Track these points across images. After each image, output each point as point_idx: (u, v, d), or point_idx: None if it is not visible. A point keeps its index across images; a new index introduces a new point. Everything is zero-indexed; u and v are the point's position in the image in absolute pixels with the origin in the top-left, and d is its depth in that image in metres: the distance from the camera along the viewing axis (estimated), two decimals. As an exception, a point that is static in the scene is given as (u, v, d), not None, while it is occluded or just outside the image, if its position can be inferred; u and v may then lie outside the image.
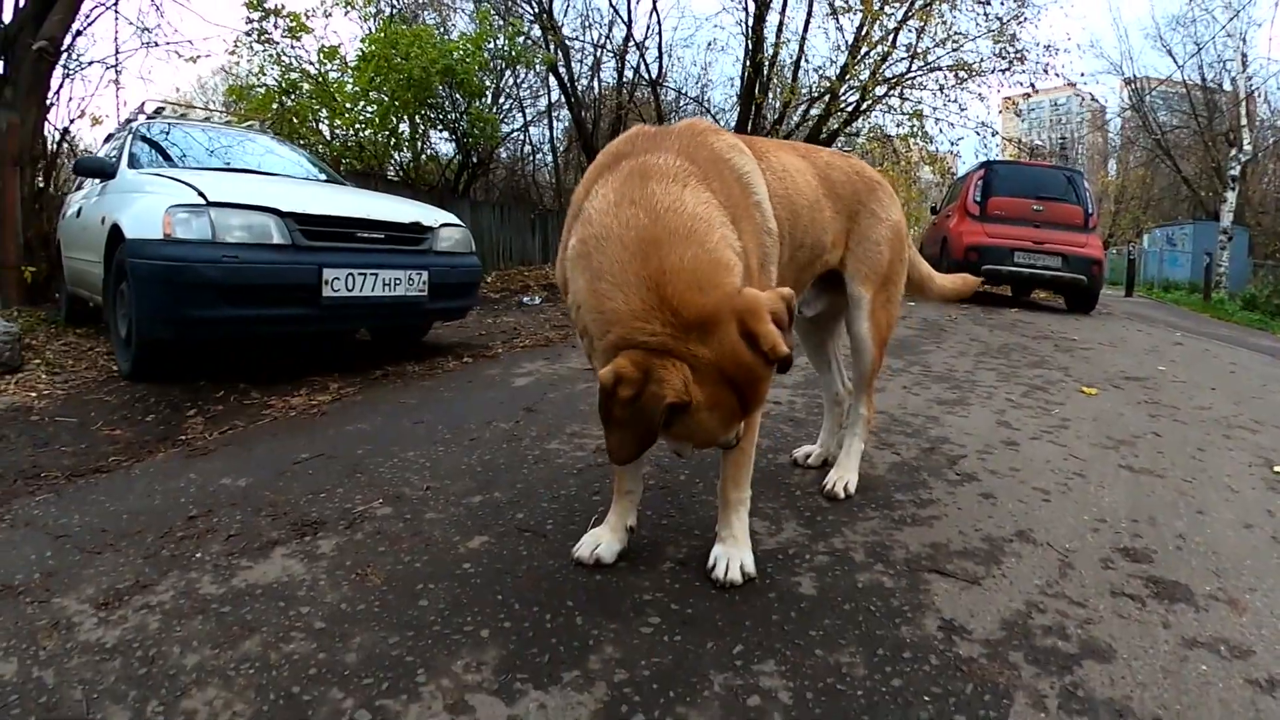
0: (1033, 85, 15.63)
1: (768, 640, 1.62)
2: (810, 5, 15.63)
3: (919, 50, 15.43)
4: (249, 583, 1.88)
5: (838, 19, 15.52)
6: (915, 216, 21.19)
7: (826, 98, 16.04)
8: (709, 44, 28.57)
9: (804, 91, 16.68)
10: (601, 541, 1.98)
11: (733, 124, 15.70)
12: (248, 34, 10.81)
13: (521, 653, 1.56)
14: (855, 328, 2.54)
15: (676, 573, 1.92)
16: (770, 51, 15.82)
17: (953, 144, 16.75)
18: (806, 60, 16.43)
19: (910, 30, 15.29)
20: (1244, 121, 19.52)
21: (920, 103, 15.97)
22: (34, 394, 4.12)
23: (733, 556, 1.89)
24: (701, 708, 1.39)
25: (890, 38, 15.28)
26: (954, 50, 15.38)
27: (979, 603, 1.82)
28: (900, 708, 1.40)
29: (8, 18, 7.70)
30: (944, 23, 15.14)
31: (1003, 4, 14.98)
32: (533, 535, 2.17)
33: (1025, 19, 15.15)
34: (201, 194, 3.99)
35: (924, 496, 2.55)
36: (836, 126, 16.56)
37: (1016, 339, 6.74)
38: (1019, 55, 15.14)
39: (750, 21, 15.84)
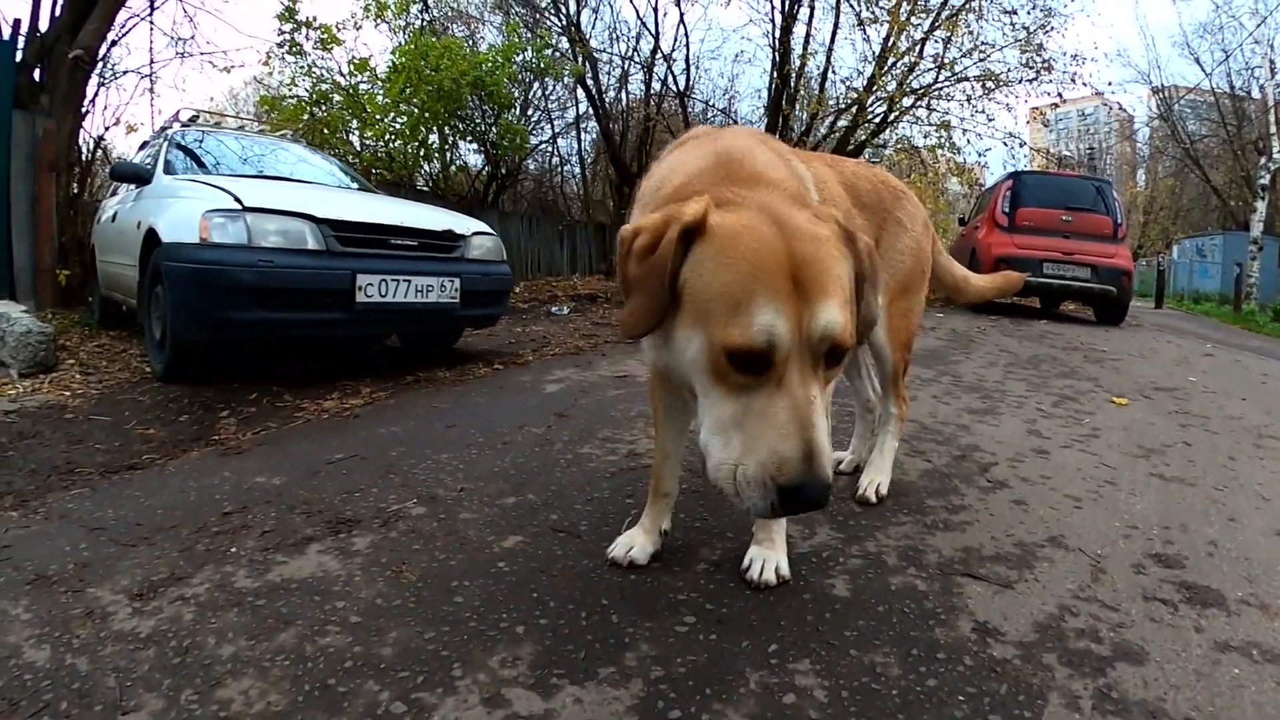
0: (1060, 95, 15.53)
1: (802, 640, 1.62)
2: (837, 17, 15.63)
3: (946, 60, 15.40)
4: (284, 577, 1.91)
5: (864, 30, 15.53)
6: (943, 228, 21.07)
7: (854, 109, 16.03)
8: (736, 56, 28.73)
9: (831, 103, 16.68)
10: (635, 543, 1.98)
11: (758, 134, 15.68)
12: (279, 45, 10.98)
13: (557, 649, 1.57)
14: (873, 336, 2.49)
15: (711, 574, 1.93)
16: (797, 63, 15.85)
17: (980, 155, 16.68)
18: (834, 71, 16.44)
19: (937, 41, 15.27)
20: (1273, 129, 19.28)
21: (947, 114, 15.93)
22: (68, 393, 4.19)
23: (768, 558, 1.90)
24: (737, 704, 1.39)
25: (917, 48, 15.25)
26: (981, 60, 15.33)
27: (1012, 606, 1.82)
28: (935, 707, 1.40)
29: (44, 27, 7.86)
30: (970, 33, 15.10)
31: (1029, 14, 14.93)
32: (567, 536, 2.18)
33: (1052, 28, 15.08)
34: (238, 199, 4.06)
35: (956, 502, 2.55)
36: (864, 138, 16.53)
37: (1046, 350, 6.71)
38: (1046, 65, 15.06)
39: (777, 33, 15.88)
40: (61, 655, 1.56)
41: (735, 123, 18.08)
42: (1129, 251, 10.40)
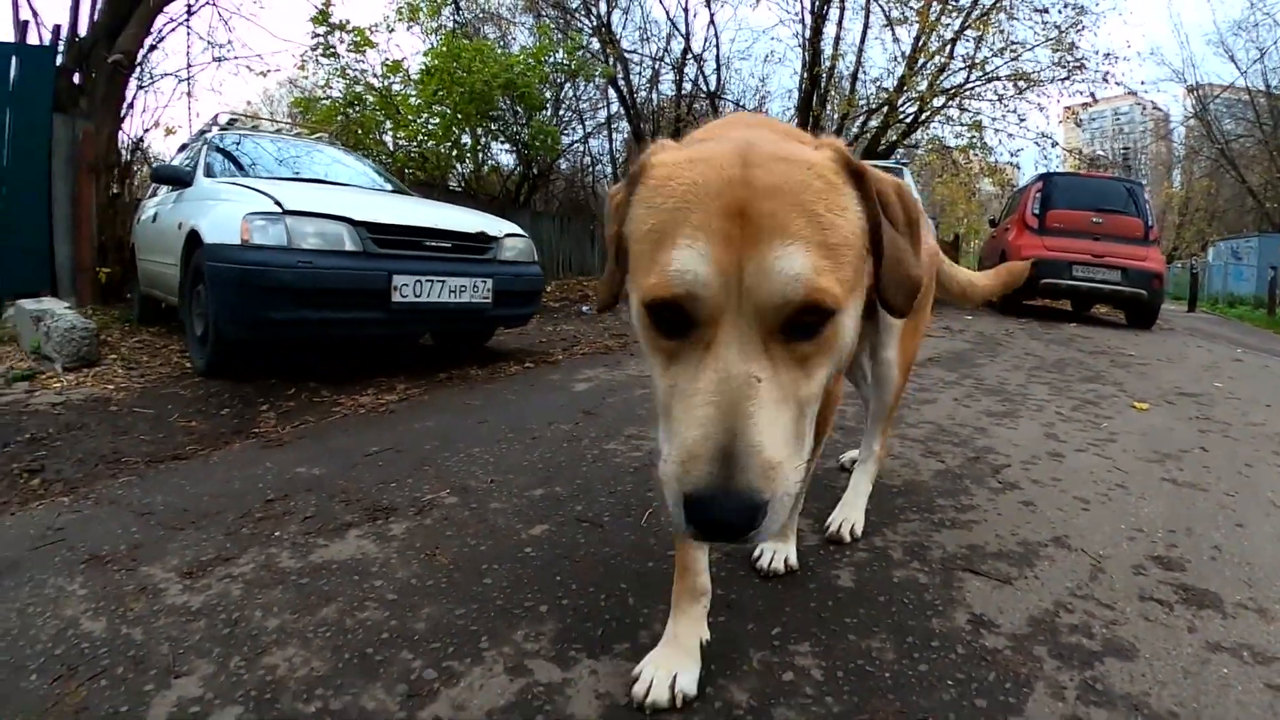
0: (1092, 94, 15.44)
1: (804, 625, 1.73)
2: (867, 17, 15.68)
3: (977, 60, 15.36)
4: (325, 559, 2.05)
5: (894, 30, 15.53)
6: (974, 229, 20.98)
7: (884, 109, 16.02)
8: (766, 56, 28.65)
9: (861, 103, 16.68)
10: (676, 669, 1.45)
11: (789, 135, 15.75)
12: (313, 49, 11.18)
13: (577, 626, 1.70)
14: (883, 354, 2.30)
15: (723, 563, 2.03)
16: (827, 64, 15.88)
17: (1012, 155, 16.62)
18: (864, 72, 16.47)
19: (968, 40, 15.24)
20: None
21: (979, 114, 15.88)
22: (112, 386, 4.34)
23: (779, 549, 1.99)
24: (740, 680, 1.50)
25: (947, 48, 15.22)
26: (1012, 60, 15.28)
27: (1009, 601, 1.89)
28: (925, 689, 1.50)
29: (83, 32, 8.07)
30: (1001, 32, 15.05)
31: (1061, 12, 14.84)
32: (590, 526, 2.31)
33: (1084, 27, 14.98)
34: (278, 202, 4.21)
35: (965, 502, 2.62)
36: (895, 138, 16.52)
37: (1072, 354, 6.70)
38: (1078, 64, 14.97)
39: (807, 34, 15.93)
40: (117, 626, 1.70)
41: (766, 124, 18.10)
42: (1160, 254, 10.26)
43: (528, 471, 2.81)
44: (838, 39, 15.95)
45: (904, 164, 11.66)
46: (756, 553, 2.01)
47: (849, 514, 2.33)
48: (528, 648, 1.61)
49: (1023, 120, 15.85)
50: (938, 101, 15.93)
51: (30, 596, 1.84)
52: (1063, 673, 1.58)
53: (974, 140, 16.26)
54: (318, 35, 11.03)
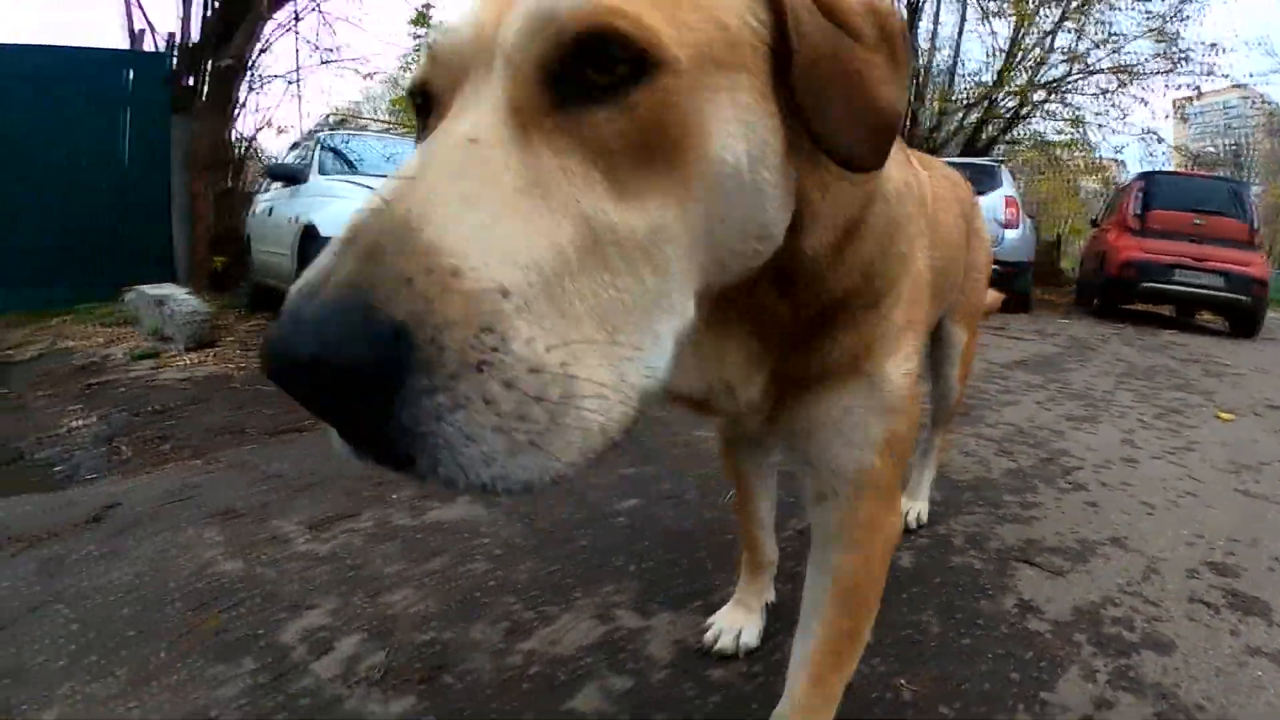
0: (1198, 88, 14.83)
1: (861, 598, 1.90)
2: (964, 9, 15.37)
3: (1077, 53, 14.91)
4: (437, 519, 2.31)
5: (990, 23, 15.19)
6: (1076, 229, 20.35)
7: (983, 104, 15.70)
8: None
9: (959, 98, 16.37)
10: (741, 625, 1.70)
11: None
12: (415, 49, 11.57)
13: (658, 584, 1.93)
14: (945, 370, 2.20)
15: (793, 540, 2.20)
16: (924, 58, 15.65)
17: (1116, 151, 16.06)
18: (962, 65, 16.16)
19: (1068, 31, 14.79)
20: None
21: (1080, 109, 15.42)
22: (231, 365, 4.71)
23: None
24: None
25: (1046, 41, 14.84)
26: (1113, 52, 14.76)
27: (1058, 591, 2.01)
28: (964, 660, 1.66)
29: (195, 38, 8.57)
30: (1102, 23, 14.56)
31: (1164, 1, 14.26)
32: (675, 501, 2.53)
33: (1187, 17, 14.34)
34: (391, 199, 4.49)
35: (1030, 499, 2.71)
36: (994, 133, 16.16)
37: (1164, 361, 6.58)
38: (1182, 55, 14.38)
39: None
40: (250, 568, 1.99)
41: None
42: (1265, 258, 9.80)
43: (621, 454, 2.97)
44: (934, 33, 15.71)
45: (1002, 160, 11.40)
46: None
47: (913, 503, 2.45)
48: (614, 599, 1.85)
49: (1126, 115, 15.33)
50: (1038, 96, 15.54)
51: (167, 542, 2.14)
52: (1098, 659, 1.70)
53: (1074, 137, 15.80)
54: (418, 36, 11.44)
